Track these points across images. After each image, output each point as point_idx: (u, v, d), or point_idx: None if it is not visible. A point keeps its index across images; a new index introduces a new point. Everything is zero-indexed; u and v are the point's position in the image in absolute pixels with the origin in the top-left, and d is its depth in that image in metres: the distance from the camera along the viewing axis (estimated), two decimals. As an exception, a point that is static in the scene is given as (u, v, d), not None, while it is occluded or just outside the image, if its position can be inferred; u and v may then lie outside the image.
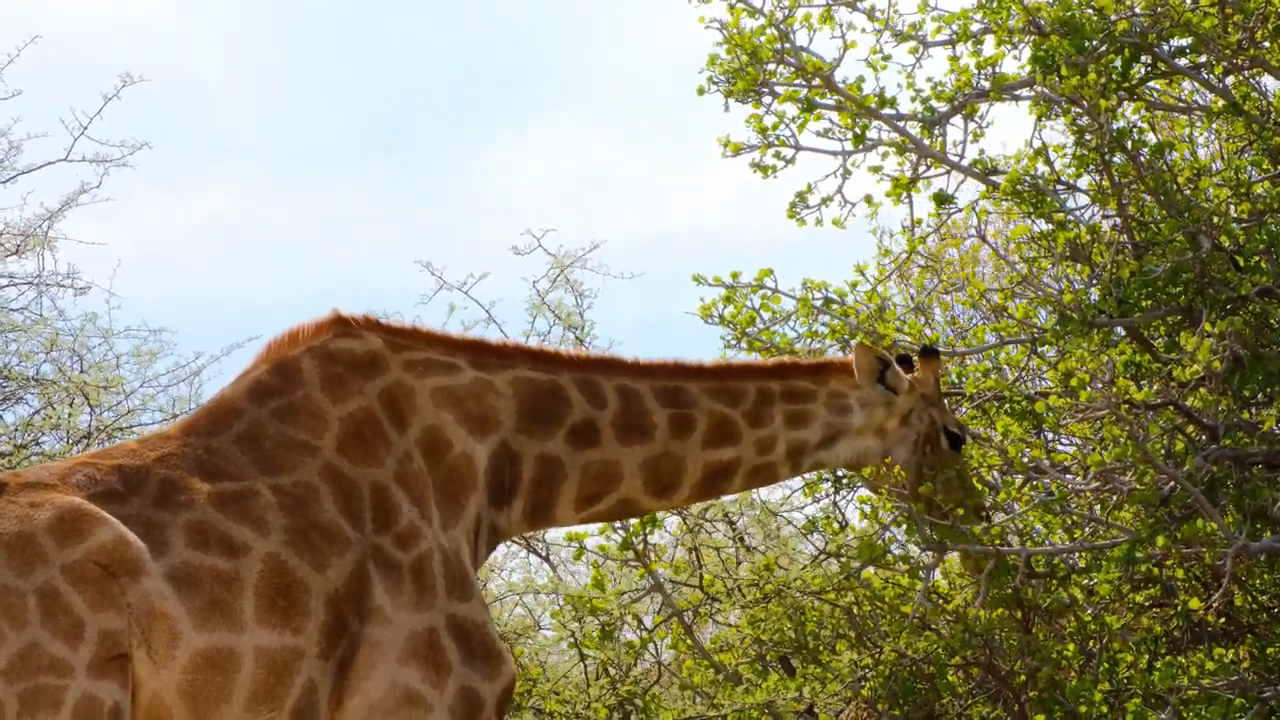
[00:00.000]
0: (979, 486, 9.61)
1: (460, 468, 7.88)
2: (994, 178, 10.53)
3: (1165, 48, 10.45)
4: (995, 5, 10.49)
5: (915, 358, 8.87)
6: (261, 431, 7.54)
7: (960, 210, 10.79)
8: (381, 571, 7.38)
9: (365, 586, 7.32)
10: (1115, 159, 10.17)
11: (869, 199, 10.82)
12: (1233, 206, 10.36)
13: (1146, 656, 10.35)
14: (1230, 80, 10.62)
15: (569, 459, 8.20)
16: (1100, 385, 9.59)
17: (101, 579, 6.75)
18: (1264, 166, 10.60)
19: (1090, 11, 10.20)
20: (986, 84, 10.60)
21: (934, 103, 10.73)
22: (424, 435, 7.83)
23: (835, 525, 11.60)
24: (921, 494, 8.87)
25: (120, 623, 6.74)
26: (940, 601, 10.46)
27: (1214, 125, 10.95)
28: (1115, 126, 10.06)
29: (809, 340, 10.74)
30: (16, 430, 14.06)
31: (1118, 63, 10.26)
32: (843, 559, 10.81)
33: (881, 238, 11.71)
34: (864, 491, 10.45)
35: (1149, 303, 10.09)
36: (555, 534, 13.53)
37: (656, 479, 8.40)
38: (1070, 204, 10.49)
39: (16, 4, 24.50)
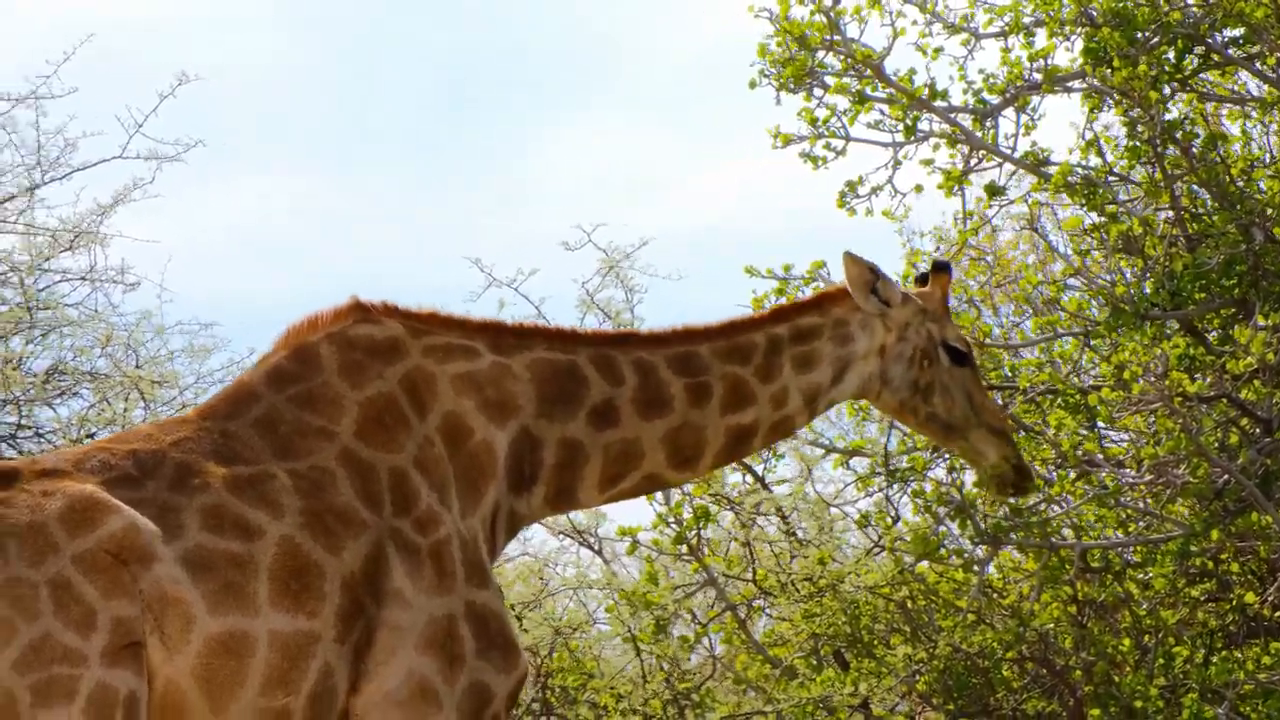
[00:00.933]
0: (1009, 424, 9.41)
1: (480, 455, 7.85)
2: (1046, 169, 10.48)
3: (1218, 39, 10.39)
4: (1047, -3, 10.45)
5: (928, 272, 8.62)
6: (279, 417, 7.52)
7: (1012, 202, 10.74)
8: (401, 555, 7.35)
9: (383, 569, 7.30)
10: (1168, 151, 10.11)
11: (919, 188, 10.78)
12: (1286, 198, 10.30)
13: (1202, 651, 10.31)
14: (1284, 70, 10.56)
15: (590, 441, 8.14)
16: (1153, 378, 9.54)
17: (113, 567, 6.75)
18: (1318, 157, 10.55)
19: (1142, 3, 10.14)
20: (1038, 76, 10.54)
21: (985, 95, 10.68)
22: (444, 421, 7.81)
23: (888, 519, 11.58)
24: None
25: (133, 610, 6.73)
26: (995, 596, 10.43)
27: (1267, 116, 10.87)
28: (1167, 118, 10.01)
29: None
30: (71, 424, 14.13)
31: (1170, 54, 10.21)
32: (896, 553, 10.79)
33: (910, 237, 11.71)
34: (917, 485, 10.44)
35: (1202, 295, 10.03)
36: (609, 529, 13.55)
37: (678, 451, 8.30)
38: (1122, 196, 10.43)
39: (73, 2, 24.63)
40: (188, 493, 7.06)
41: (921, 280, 8.61)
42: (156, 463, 7.14)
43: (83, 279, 15.02)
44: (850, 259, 8.37)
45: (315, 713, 7.07)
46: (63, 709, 6.52)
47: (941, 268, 8.59)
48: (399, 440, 7.61)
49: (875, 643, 10.87)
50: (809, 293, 10.60)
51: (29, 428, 14.23)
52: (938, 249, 11.80)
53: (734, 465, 11.92)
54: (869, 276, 8.36)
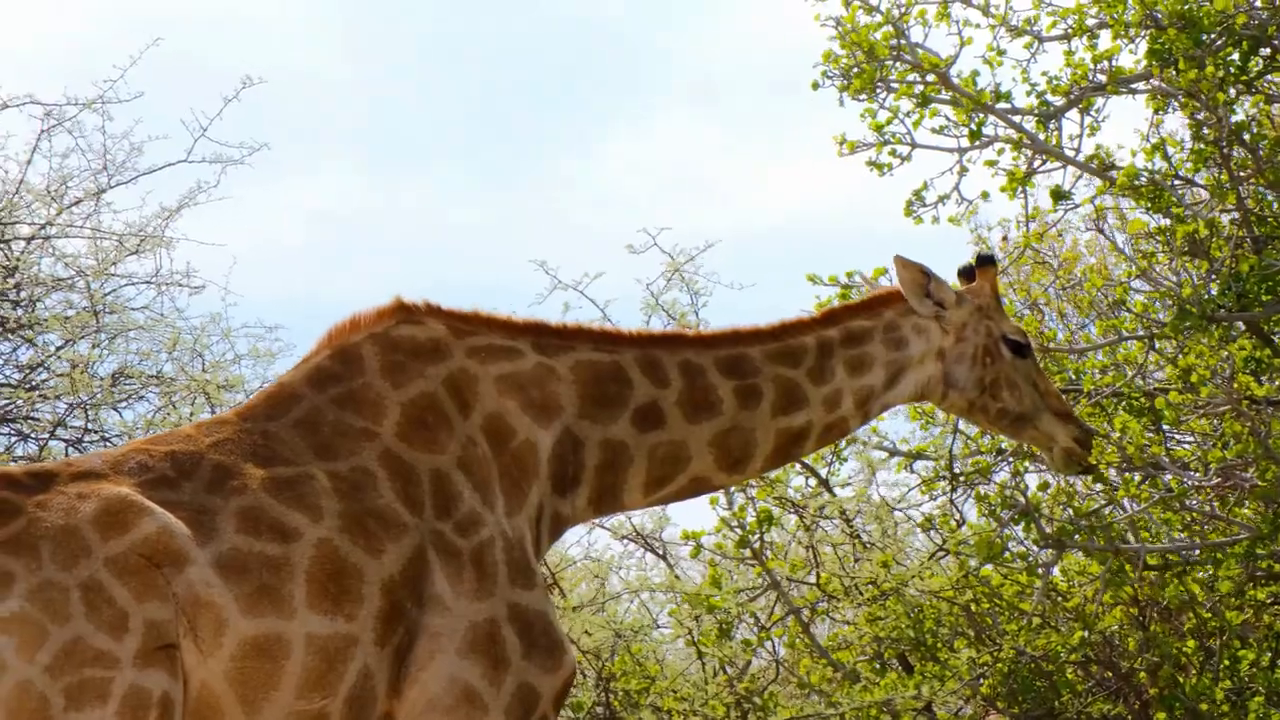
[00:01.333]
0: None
1: (524, 455, 7.82)
2: (1110, 172, 10.45)
3: (1284, 40, 10.35)
4: (1111, -1, 10.42)
5: (973, 267, 8.60)
6: (320, 417, 7.50)
7: (1077, 206, 10.72)
8: (442, 558, 7.32)
9: (424, 573, 7.27)
10: (1234, 153, 10.07)
11: (985, 194, 10.76)
12: (1354, 200, 10.26)
13: (1268, 653, 10.27)
14: (1351, 72, 10.51)
15: (634, 442, 8.10)
16: (1220, 381, 9.51)
17: (145, 570, 6.74)
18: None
19: (1207, 4, 10.10)
20: (1102, 78, 10.51)
21: (1049, 97, 10.65)
22: (487, 422, 7.80)
23: (952, 523, 11.56)
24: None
25: (166, 613, 6.73)
26: (1059, 599, 10.40)
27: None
28: (1233, 120, 9.97)
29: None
30: (137, 428, 14.21)
31: (1235, 55, 10.16)
32: (960, 556, 10.78)
33: (980, 231, 11.69)
34: (981, 488, 10.43)
35: (1269, 297, 9.99)
36: (672, 533, 13.56)
37: (727, 454, 8.26)
38: (1188, 198, 10.40)
39: (139, 6, 24.76)
40: (224, 494, 7.06)
41: (968, 276, 8.59)
42: (194, 464, 7.15)
43: (148, 283, 15.14)
44: (901, 262, 8.41)
45: (353, 716, 7.08)
46: (96, 711, 6.54)
47: (987, 260, 8.57)
48: (441, 441, 7.60)
49: (939, 646, 10.85)
50: (869, 297, 10.61)
51: (95, 432, 14.32)
52: (1005, 238, 11.78)
53: (797, 468, 11.93)
54: (921, 279, 8.40)
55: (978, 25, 10.74)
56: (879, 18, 10.56)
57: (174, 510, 6.91)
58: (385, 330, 7.80)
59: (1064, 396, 8.84)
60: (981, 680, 10.62)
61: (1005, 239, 12.43)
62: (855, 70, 10.49)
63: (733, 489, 11.29)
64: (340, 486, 7.25)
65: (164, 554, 6.77)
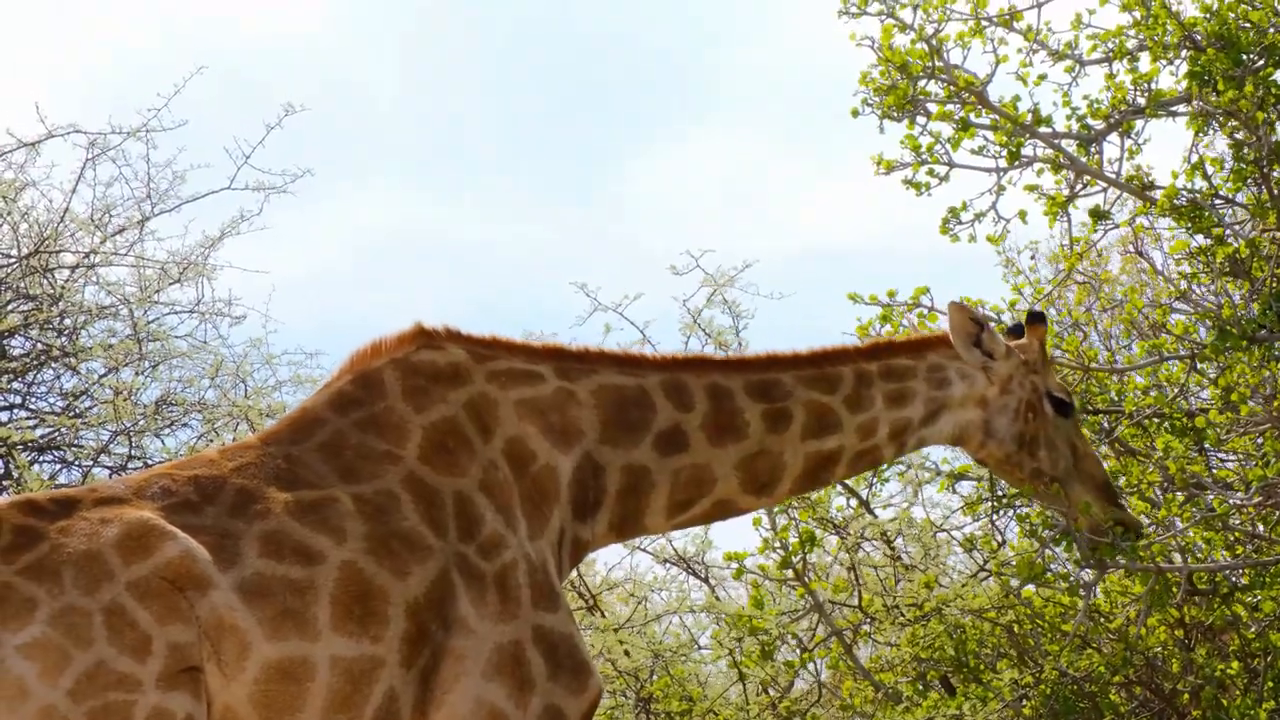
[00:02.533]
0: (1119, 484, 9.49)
1: (544, 480, 7.85)
2: (1151, 193, 10.46)
3: (1324, 61, 10.36)
4: (1150, 21, 10.42)
5: (1023, 324, 8.65)
6: (343, 441, 7.55)
7: (1116, 226, 10.73)
8: (466, 580, 7.36)
9: (449, 595, 7.30)
10: (1275, 173, 10.08)
11: (1023, 214, 10.77)
12: (1395, 219, 10.25)
13: (1313, 675, 10.24)
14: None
15: (656, 466, 8.11)
16: (1262, 400, 9.52)
17: (168, 593, 6.77)
18: None
19: (1247, 25, 10.12)
20: (1142, 100, 10.53)
21: (1090, 120, 10.67)
22: (508, 446, 7.84)
23: (994, 543, 11.56)
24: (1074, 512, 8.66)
25: (189, 636, 6.76)
26: (1102, 620, 10.39)
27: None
28: (1273, 139, 9.98)
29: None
30: (181, 454, 14.27)
31: (1276, 75, 10.18)
32: (1002, 576, 10.78)
33: (1009, 254, 11.70)
34: (1022, 510, 10.42)
35: (1311, 316, 9.99)
36: (714, 555, 13.58)
37: (754, 478, 8.27)
38: (1229, 218, 10.40)
39: (185, 33, 24.90)
40: (248, 519, 7.11)
41: (1017, 333, 8.69)
42: (217, 488, 7.19)
43: (190, 311, 15.20)
44: (955, 308, 8.47)
45: (380, 738, 7.11)
46: None
47: (1037, 318, 8.67)
48: (463, 465, 7.64)
49: (981, 668, 10.85)
50: (913, 319, 10.62)
51: (139, 459, 14.39)
52: (1033, 257, 11.82)
53: (839, 489, 11.95)
54: (973, 328, 8.48)
55: (1018, 50, 10.75)
56: (913, 35, 10.58)
57: (196, 534, 6.95)
58: (406, 355, 7.86)
59: (1110, 478, 8.83)
60: (1024, 701, 10.61)
61: (1034, 259, 12.48)
62: (891, 87, 10.51)
63: (774, 510, 11.31)
64: (364, 509, 7.29)
65: (187, 578, 6.81)
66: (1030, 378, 8.54)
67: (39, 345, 14.70)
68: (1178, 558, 10.05)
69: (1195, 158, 10.44)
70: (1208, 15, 10.23)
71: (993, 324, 8.68)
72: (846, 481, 11.58)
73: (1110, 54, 10.72)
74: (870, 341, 8.60)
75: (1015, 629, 10.76)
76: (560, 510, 7.84)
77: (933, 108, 10.64)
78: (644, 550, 13.46)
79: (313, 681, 6.93)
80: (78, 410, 14.69)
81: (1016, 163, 10.70)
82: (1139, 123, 10.68)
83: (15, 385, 14.80)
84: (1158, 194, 10.30)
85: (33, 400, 14.90)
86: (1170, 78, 10.56)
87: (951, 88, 10.58)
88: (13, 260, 14.79)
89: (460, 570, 7.34)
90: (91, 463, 14.43)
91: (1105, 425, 10.26)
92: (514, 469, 7.77)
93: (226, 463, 7.31)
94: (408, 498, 7.41)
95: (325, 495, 7.28)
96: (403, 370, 7.81)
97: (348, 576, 7.07)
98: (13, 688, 6.48)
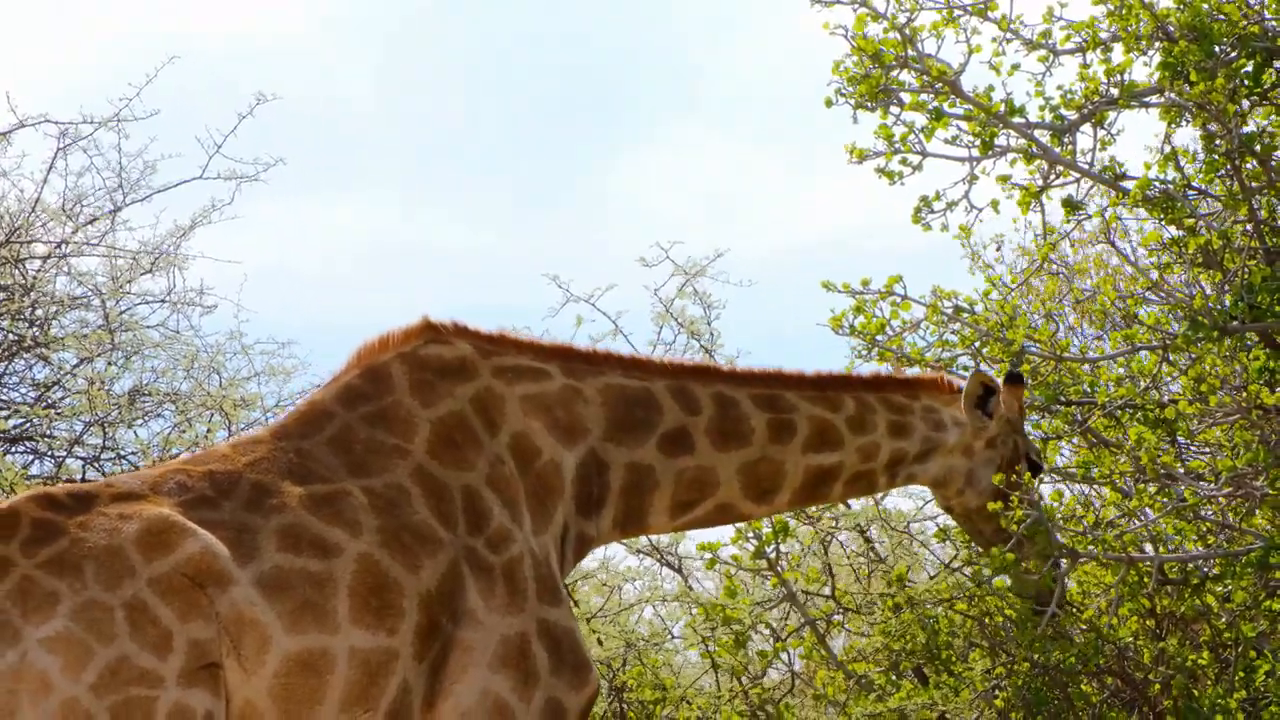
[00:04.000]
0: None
1: (548, 475, 7.90)
2: (1124, 184, 10.47)
3: (1297, 52, 10.37)
4: (1124, 12, 10.43)
5: (1000, 383, 8.97)
6: (352, 435, 7.59)
7: (1089, 217, 10.73)
8: (474, 573, 7.39)
9: (458, 588, 7.32)
10: (1247, 165, 10.10)
11: (995, 204, 10.78)
12: (1366, 210, 10.27)
13: (1283, 664, 10.26)
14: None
15: (661, 466, 8.19)
16: (1231, 390, 9.55)
17: (189, 590, 6.79)
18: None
19: (1220, 17, 10.13)
20: (1115, 91, 10.54)
21: (1063, 110, 10.67)
22: (514, 441, 7.87)
23: (966, 535, 11.55)
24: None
25: (209, 632, 6.78)
26: (1073, 610, 10.41)
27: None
28: (1245, 131, 10.00)
29: (939, 350, 10.71)
30: (153, 446, 14.24)
31: (1249, 68, 10.19)
32: (975, 566, 10.78)
33: (975, 248, 11.72)
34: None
35: (1282, 308, 10.01)
36: (688, 545, 13.58)
37: (755, 484, 8.41)
38: (1202, 209, 10.42)
39: (157, 25, 24.81)
40: (264, 513, 7.13)
41: (1013, 380, 9.06)
42: (233, 483, 7.21)
43: (162, 301, 15.17)
44: (978, 376, 8.93)
45: (392, 729, 7.12)
46: None
47: (1015, 379, 9.02)
48: (470, 459, 7.67)
49: (954, 658, 10.85)
50: (885, 308, 10.64)
51: (112, 449, 14.36)
52: (998, 249, 11.85)
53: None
54: (981, 392, 8.92)
55: (993, 39, 10.74)
56: (886, 24, 10.57)
57: (214, 529, 6.98)
58: (413, 350, 7.90)
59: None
60: (996, 692, 10.62)
61: (999, 250, 12.49)
62: (864, 76, 10.50)
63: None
64: (376, 503, 7.33)
65: (207, 574, 6.83)
66: (1014, 437, 8.93)
67: (10, 336, 14.66)
68: (1149, 548, 10.07)
69: (1168, 149, 10.45)
70: (1180, 6, 10.23)
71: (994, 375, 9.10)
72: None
73: (1084, 45, 10.72)
74: (870, 373, 8.92)
75: (987, 621, 10.76)
76: (564, 506, 7.89)
77: (906, 97, 10.63)
78: (618, 540, 13.45)
79: (332, 674, 6.97)
80: (50, 401, 14.66)
81: (990, 153, 10.70)
82: (1112, 114, 10.68)
83: (-13, 376, 14.76)
84: (1130, 185, 10.31)
85: (4, 391, 14.86)
86: (1144, 69, 10.58)
87: (924, 77, 10.57)
88: (-16, 250, 14.74)
89: (469, 563, 7.38)
90: (65, 453, 14.40)
91: (1078, 416, 10.28)
92: (519, 464, 7.81)
93: (240, 457, 7.35)
94: (417, 491, 7.45)
95: (338, 489, 7.31)
96: (410, 365, 7.85)
97: (364, 569, 7.11)
98: (36, 681, 6.49)
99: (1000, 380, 8.89)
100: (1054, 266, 12.03)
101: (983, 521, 9.05)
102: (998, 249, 12.27)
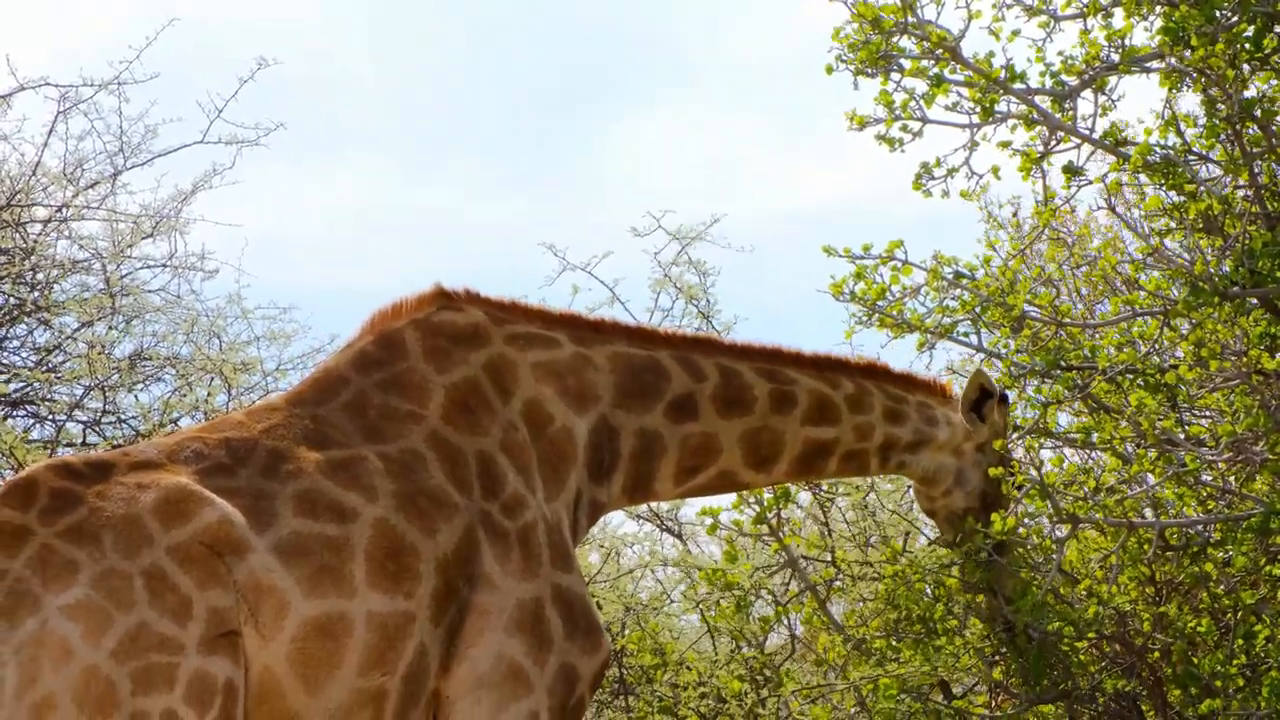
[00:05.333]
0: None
1: (561, 441, 7.95)
2: (1124, 149, 10.45)
3: (1299, 16, 10.33)
4: (1125, -25, 10.40)
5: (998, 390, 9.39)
6: (367, 401, 7.62)
7: (1090, 182, 10.70)
8: (490, 538, 7.43)
9: (474, 552, 7.36)
10: (1249, 131, 10.07)
11: (995, 170, 10.75)
12: (1367, 176, 10.24)
13: (1283, 629, 10.26)
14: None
15: (668, 432, 8.29)
16: (1232, 355, 9.54)
17: (207, 558, 6.82)
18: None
19: (1221, -19, 10.09)
20: (1116, 57, 10.50)
21: (1064, 76, 10.64)
22: (526, 407, 7.90)
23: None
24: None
25: (228, 600, 6.80)
26: (1073, 576, 10.41)
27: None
28: (1246, 96, 9.97)
29: (939, 315, 10.69)
30: (154, 410, 14.25)
31: (1249, 32, 10.15)
32: (977, 534, 10.78)
33: (990, 208, 11.69)
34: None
35: (1283, 273, 9.99)
36: (688, 511, 13.60)
37: (756, 451, 8.53)
38: (1202, 174, 10.39)
39: None
40: (281, 479, 7.17)
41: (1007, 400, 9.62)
42: (249, 450, 7.25)
43: (163, 265, 15.17)
44: (978, 377, 9.33)
45: (409, 692, 7.17)
46: (163, 696, 6.62)
47: (1003, 400, 9.53)
48: (484, 425, 7.72)
49: (953, 623, 10.86)
50: (885, 274, 10.61)
51: (112, 413, 14.36)
52: (1015, 214, 11.84)
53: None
54: (977, 395, 9.31)
55: (993, 4, 10.70)
56: (885, -12, 10.52)
57: (231, 497, 7.01)
58: (426, 316, 7.95)
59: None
60: (995, 664, 10.63)
61: (1015, 215, 12.46)
62: (864, 42, 10.46)
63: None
64: (391, 468, 7.37)
65: (225, 543, 6.87)
66: (1004, 445, 9.32)
67: (11, 300, 14.65)
68: (1149, 513, 10.07)
69: (1169, 114, 10.42)
70: (1182, -29, 10.20)
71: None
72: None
73: (1084, 10, 10.68)
74: (866, 361, 9.19)
75: (982, 597, 10.74)
76: (577, 472, 7.95)
77: (906, 64, 10.60)
78: (625, 507, 13.45)
79: (350, 637, 7.01)
80: (51, 365, 14.66)
81: (990, 119, 10.67)
82: (1113, 79, 10.65)
83: (-13, 340, 14.77)
84: (1131, 150, 10.29)
85: (5, 355, 14.85)
86: (1144, 34, 10.54)
87: (925, 43, 10.54)
88: (-16, 214, 14.73)
89: (485, 528, 7.42)
90: (65, 417, 14.40)
91: (1078, 382, 10.27)
92: (532, 431, 7.87)
93: (255, 424, 7.39)
94: (432, 456, 7.50)
95: (353, 454, 7.36)
96: (423, 331, 7.89)
97: (381, 533, 7.15)
98: (57, 648, 6.52)
99: (999, 389, 9.16)
100: (1057, 232, 12.00)
101: (956, 523, 9.49)
102: (1015, 213, 12.24)
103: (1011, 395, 9.98)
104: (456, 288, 8.05)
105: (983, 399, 9.16)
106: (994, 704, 11.29)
